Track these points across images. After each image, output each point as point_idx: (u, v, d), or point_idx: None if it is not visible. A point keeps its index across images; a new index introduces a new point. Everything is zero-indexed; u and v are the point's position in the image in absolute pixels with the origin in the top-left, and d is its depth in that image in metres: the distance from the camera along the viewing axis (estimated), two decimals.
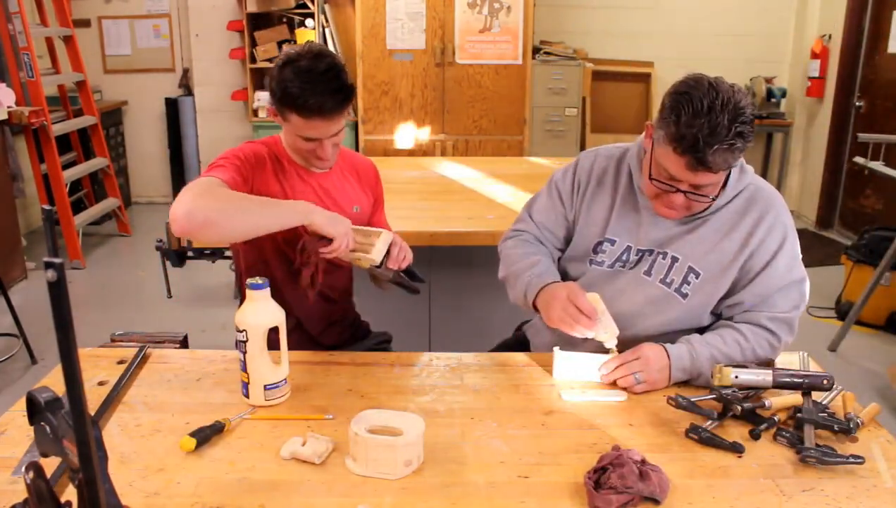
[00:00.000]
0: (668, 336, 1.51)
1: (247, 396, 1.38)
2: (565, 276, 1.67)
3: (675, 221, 1.53)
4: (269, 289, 1.37)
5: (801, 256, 1.53)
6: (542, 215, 1.72)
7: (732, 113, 1.31)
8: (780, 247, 1.49)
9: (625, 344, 1.49)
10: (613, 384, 1.45)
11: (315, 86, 1.50)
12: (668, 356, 1.44)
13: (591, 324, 1.46)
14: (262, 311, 1.36)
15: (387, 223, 1.93)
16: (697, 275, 1.51)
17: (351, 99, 1.57)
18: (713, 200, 1.46)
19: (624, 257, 1.58)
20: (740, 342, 1.47)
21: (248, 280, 1.36)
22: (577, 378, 1.48)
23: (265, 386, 1.36)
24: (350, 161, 1.83)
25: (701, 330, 1.54)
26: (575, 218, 1.67)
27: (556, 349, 1.50)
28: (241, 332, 1.35)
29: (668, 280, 1.54)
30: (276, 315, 1.38)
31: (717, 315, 1.57)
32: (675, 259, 1.53)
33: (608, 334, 1.47)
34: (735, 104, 1.31)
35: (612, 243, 1.60)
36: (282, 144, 1.71)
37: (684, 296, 1.52)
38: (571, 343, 1.54)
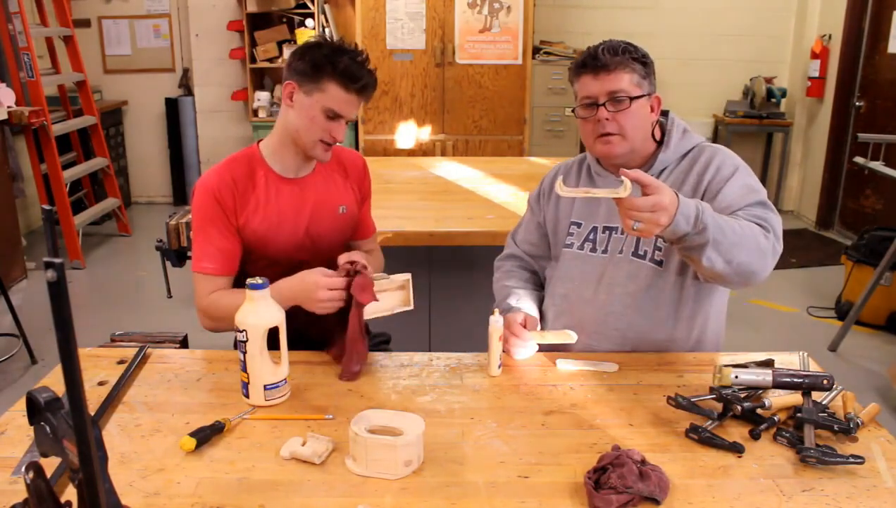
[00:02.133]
0: (659, 309, 1.59)
1: (247, 396, 1.38)
2: (555, 264, 1.77)
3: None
4: (269, 289, 1.37)
5: (757, 184, 1.54)
6: (522, 232, 1.87)
7: (618, 43, 1.56)
8: (731, 175, 1.54)
9: (615, 327, 1.61)
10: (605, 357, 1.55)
11: (361, 66, 1.60)
12: (678, 199, 1.33)
13: (518, 341, 1.57)
14: (262, 311, 1.36)
15: (371, 220, 1.95)
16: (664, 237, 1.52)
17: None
18: (632, 100, 1.55)
19: (591, 237, 1.68)
20: (738, 220, 1.42)
21: (248, 280, 1.36)
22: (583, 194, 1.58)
23: (265, 386, 1.36)
24: (336, 157, 1.82)
25: (684, 298, 1.59)
26: (543, 215, 1.80)
27: (558, 361, 1.55)
28: (241, 332, 1.35)
29: (640, 252, 1.60)
30: (275, 315, 1.38)
31: (696, 280, 1.58)
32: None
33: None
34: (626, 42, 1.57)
35: (579, 225, 1.71)
36: (260, 154, 1.70)
37: (659, 263, 1.58)
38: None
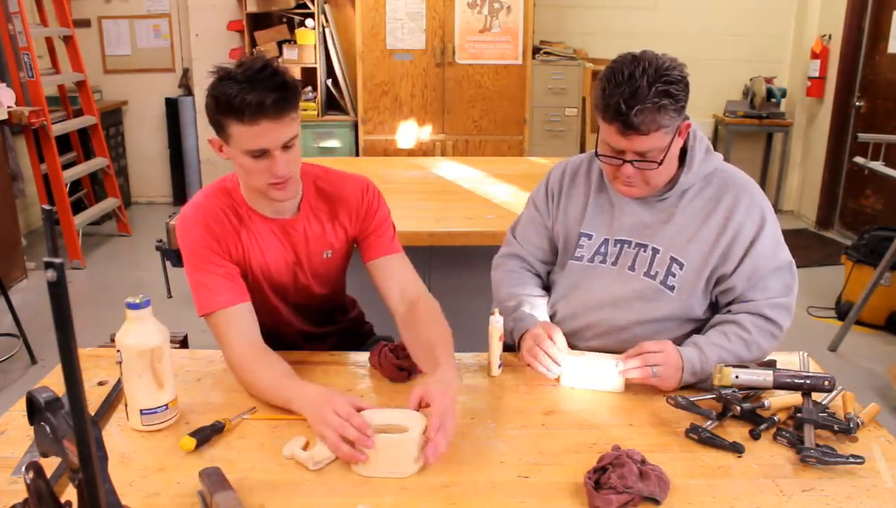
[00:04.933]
0: (662, 331, 1.53)
1: (127, 418, 1.30)
2: (557, 276, 1.70)
3: (647, 209, 1.56)
4: (149, 308, 1.26)
5: (782, 238, 1.54)
6: (524, 232, 1.76)
7: (653, 75, 1.36)
8: (760, 228, 1.50)
9: (619, 339, 1.53)
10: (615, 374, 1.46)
11: (253, 84, 1.33)
12: (682, 358, 1.43)
13: (553, 367, 1.49)
14: (140, 332, 1.25)
15: (388, 241, 1.64)
16: (681, 266, 1.52)
17: (297, 98, 1.39)
18: (659, 164, 1.45)
19: (602, 250, 1.60)
20: (744, 337, 1.46)
21: (127, 299, 1.25)
22: (584, 384, 1.47)
23: (141, 411, 1.27)
24: (322, 194, 1.60)
25: (696, 323, 1.56)
26: (553, 223, 1.70)
27: (562, 357, 1.50)
28: (117, 352, 1.26)
29: (651, 273, 1.54)
30: (154, 337, 1.26)
31: (712, 305, 1.57)
32: (655, 251, 1.54)
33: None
34: (657, 67, 1.37)
35: (589, 237, 1.62)
36: (238, 190, 1.54)
37: (671, 289, 1.53)
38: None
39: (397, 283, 1.59)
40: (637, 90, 1.35)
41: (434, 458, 1.17)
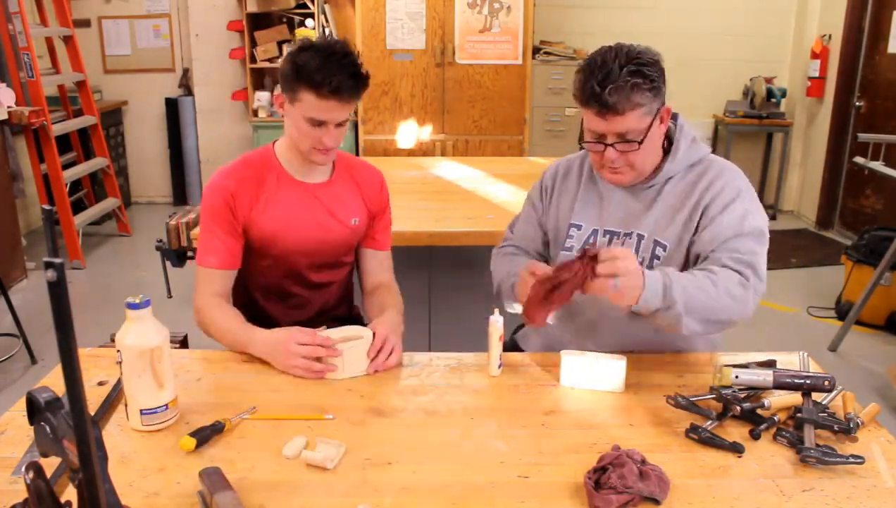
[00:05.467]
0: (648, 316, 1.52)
1: (127, 418, 1.30)
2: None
3: (634, 198, 1.60)
4: (149, 308, 1.27)
5: (759, 211, 1.53)
6: (520, 226, 1.83)
7: (625, 58, 1.42)
8: (732, 200, 1.51)
9: (606, 330, 1.59)
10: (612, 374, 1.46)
11: (334, 65, 1.51)
12: (643, 275, 1.36)
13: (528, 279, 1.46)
14: (140, 332, 1.26)
15: (384, 236, 1.87)
16: (664, 248, 1.55)
17: (367, 85, 1.58)
18: (640, 142, 1.48)
19: (591, 241, 1.64)
20: (710, 277, 1.42)
21: (127, 299, 1.26)
22: (584, 384, 1.47)
23: (141, 411, 1.27)
24: (352, 170, 1.80)
25: None
26: (545, 216, 1.75)
27: (562, 353, 1.49)
28: (117, 352, 1.27)
29: (638, 260, 1.52)
30: (154, 337, 1.27)
31: None
32: (640, 237, 1.58)
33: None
34: (628, 52, 1.44)
35: (579, 228, 1.66)
36: (274, 155, 1.72)
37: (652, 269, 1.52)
38: (559, 348, 1.54)
39: (376, 273, 1.85)
40: (609, 72, 1.42)
41: (381, 367, 1.50)
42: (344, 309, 1.95)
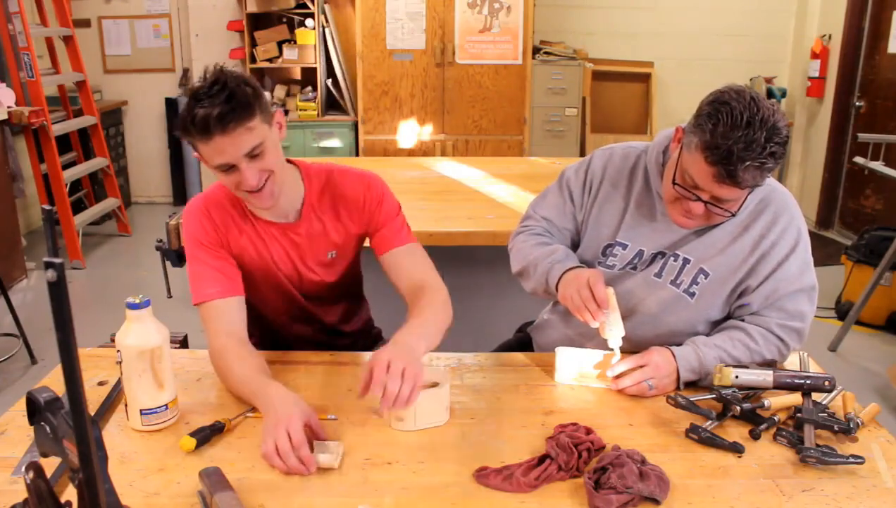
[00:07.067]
0: (676, 336, 1.51)
1: (127, 418, 1.30)
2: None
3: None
4: (149, 308, 1.26)
5: (812, 261, 1.50)
6: (551, 212, 1.68)
7: (770, 131, 1.28)
8: (792, 250, 1.47)
9: (634, 344, 1.49)
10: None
11: (202, 101, 1.32)
12: (675, 358, 1.43)
13: (598, 313, 1.42)
14: (139, 332, 1.25)
15: (395, 234, 1.62)
16: (706, 275, 1.50)
17: (248, 107, 1.34)
18: (733, 215, 1.42)
19: (635, 261, 1.56)
20: (748, 344, 1.45)
21: (127, 299, 1.24)
22: (580, 381, 1.47)
23: (141, 411, 1.27)
24: (332, 194, 1.60)
25: (711, 325, 1.54)
26: (584, 218, 1.64)
27: (558, 349, 1.49)
28: (117, 352, 1.26)
29: (678, 282, 1.51)
30: (154, 337, 1.26)
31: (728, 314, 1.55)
32: (686, 261, 1.51)
33: (613, 332, 1.44)
34: (773, 123, 1.29)
35: (624, 246, 1.56)
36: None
37: (692, 296, 1.51)
38: (577, 345, 1.54)
39: (405, 273, 1.58)
40: (752, 144, 1.27)
41: (385, 412, 1.26)
42: (357, 324, 1.84)
